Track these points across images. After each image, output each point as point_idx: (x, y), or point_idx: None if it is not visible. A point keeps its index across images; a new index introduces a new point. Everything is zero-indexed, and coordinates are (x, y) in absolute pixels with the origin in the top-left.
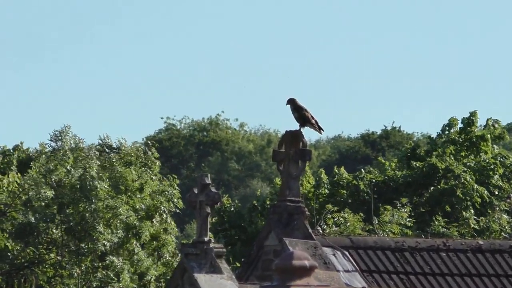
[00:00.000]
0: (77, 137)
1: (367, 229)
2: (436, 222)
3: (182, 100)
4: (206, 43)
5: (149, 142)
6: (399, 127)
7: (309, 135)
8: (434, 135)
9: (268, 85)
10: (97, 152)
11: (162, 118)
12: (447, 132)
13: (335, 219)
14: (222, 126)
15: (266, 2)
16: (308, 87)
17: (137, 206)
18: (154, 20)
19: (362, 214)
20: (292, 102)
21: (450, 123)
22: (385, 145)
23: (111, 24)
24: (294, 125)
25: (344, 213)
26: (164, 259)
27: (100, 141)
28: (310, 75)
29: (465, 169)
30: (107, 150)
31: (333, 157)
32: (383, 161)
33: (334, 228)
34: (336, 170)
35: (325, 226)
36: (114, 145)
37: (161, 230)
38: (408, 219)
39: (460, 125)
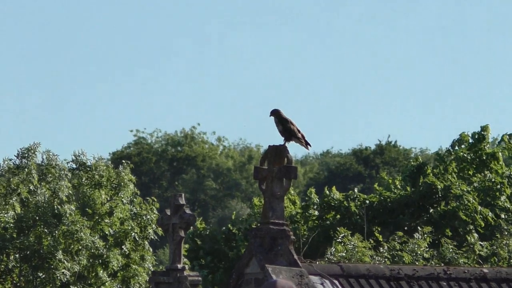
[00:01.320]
0: (51, 153)
1: (376, 257)
2: (444, 247)
3: (154, 111)
4: (180, 48)
5: (124, 162)
6: (395, 142)
7: (295, 150)
8: (433, 150)
9: (250, 96)
10: (68, 174)
11: (131, 131)
12: (456, 148)
13: (344, 244)
14: (198, 140)
15: (247, 9)
16: (294, 98)
17: (106, 232)
18: (125, 25)
19: (372, 241)
20: (276, 113)
21: (461, 139)
22: (379, 162)
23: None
24: (278, 140)
25: (348, 237)
26: None
27: (73, 157)
28: (296, 85)
29: (468, 189)
30: (77, 167)
31: (322, 175)
32: (385, 177)
33: (341, 254)
34: (327, 191)
35: (334, 251)
36: (89, 163)
37: (135, 258)
38: (426, 249)
39: (470, 140)
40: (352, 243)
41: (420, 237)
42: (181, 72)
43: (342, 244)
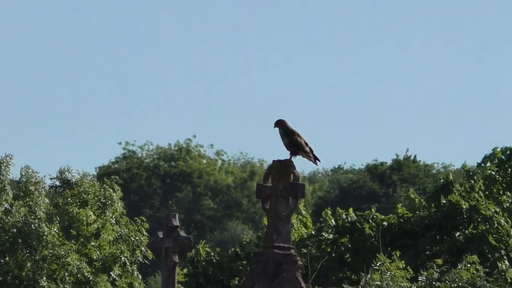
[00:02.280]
0: (30, 170)
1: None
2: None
3: (145, 122)
4: (175, 53)
5: (113, 177)
6: (415, 156)
7: (302, 166)
8: (457, 166)
9: (252, 105)
10: (46, 186)
11: (119, 143)
12: (488, 163)
13: (381, 273)
14: (194, 154)
15: (254, 13)
16: (302, 108)
17: (93, 256)
18: (114, 31)
19: (410, 270)
20: (281, 124)
21: (493, 155)
22: (396, 179)
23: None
24: (284, 154)
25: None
26: None
27: (58, 174)
28: (303, 94)
29: (497, 210)
30: (60, 185)
31: (332, 194)
32: (412, 195)
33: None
34: (340, 210)
35: (369, 278)
36: (73, 180)
37: (122, 285)
38: (468, 281)
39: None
40: (390, 272)
41: (463, 266)
42: (175, 79)
43: (379, 272)
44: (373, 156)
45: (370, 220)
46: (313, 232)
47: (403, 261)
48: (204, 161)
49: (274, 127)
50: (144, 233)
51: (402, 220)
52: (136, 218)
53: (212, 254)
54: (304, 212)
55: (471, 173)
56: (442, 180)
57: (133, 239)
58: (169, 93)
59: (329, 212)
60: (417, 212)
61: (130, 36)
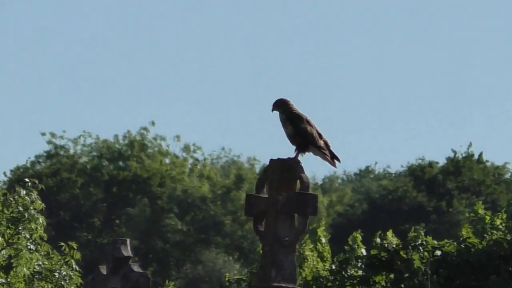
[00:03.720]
0: None
1: None
2: None
3: (80, 104)
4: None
5: (28, 180)
6: (480, 154)
7: (314, 167)
8: None
9: (240, 79)
10: None
11: (43, 134)
12: None
13: None
14: (153, 150)
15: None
16: (314, 88)
17: None
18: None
19: None
20: (282, 106)
21: None
22: (453, 187)
23: None
24: (287, 150)
25: None
26: None
27: None
28: (315, 72)
29: None
30: None
31: (358, 209)
32: (480, 210)
33: None
34: (378, 237)
35: None
36: None
37: None
38: None
39: None
40: None
41: None
42: (122, 42)
43: None
44: (418, 154)
45: (420, 247)
46: (333, 267)
47: None
48: (168, 160)
49: (273, 110)
50: (75, 266)
51: (464, 248)
52: (61, 244)
53: None
54: (324, 241)
55: None
56: None
57: (57, 276)
58: (115, 63)
59: (359, 236)
60: (487, 236)
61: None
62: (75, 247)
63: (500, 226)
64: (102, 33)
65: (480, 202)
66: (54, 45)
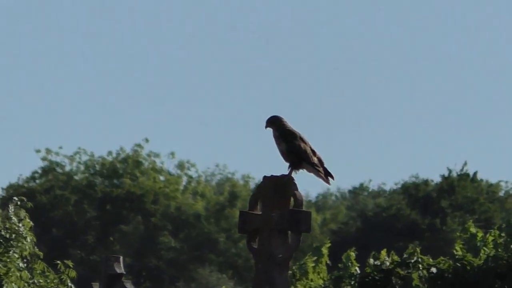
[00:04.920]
0: None
1: None
2: None
3: (76, 121)
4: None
5: (17, 199)
6: (474, 173)
7: (307, 185)
8: None
9: (234, 96)
10: None
11: (38, 151)
12: None
13: None
14: (147, 167)
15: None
16: (306, 104)
17: None
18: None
19: None
20: (275, 123)
21: None
22: (446, 205)
23: None
24: (280, 167)
25: None
26: None
27: None
28: (308, 87)
29: None
30: None
31: (352, 227)
32: (471, 228)
33: None
34: (372, 259)
35: None
36: None
37: None
38: None
39: None
40: None
41: None
42: (119, 60)
43: None
44: (412, 172)
45: (420, 265)
46: (330, 286)
47: None
48: (162, 177)
49: (266, 127)
50: (70, 285)
51: (460, 266)
52: (57, 263)
53: None
54: (326, 256)
55: None
56: None
57: None
58: (109, 80)
59: (353, 254)
60: (481, 253)
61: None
62: (71, 266)
63: (491, 244)
64: (95, 49)
65: (471, 220)
66: (50, 60)
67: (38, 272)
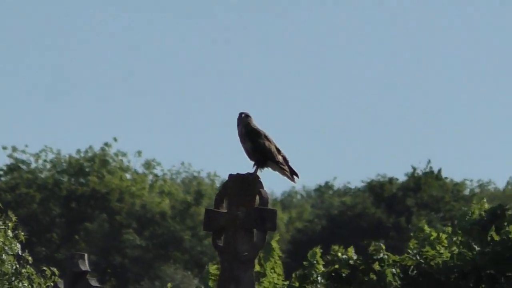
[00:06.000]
0: None
1: None
2: None
3: (43, 119)
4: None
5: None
6: (439, 171)
7: (273, 183)
8: (501, 185)
9: (200, 94)
10: None
11: (4, 148)
12: None
13: None
14: (113, 166)
15: None
16: (271, 101)
17: None
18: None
19: None
20: (242, 121)
21: None
22: (412, 203)
23: None
24: (245, 165)
25: None
26: None
27: None
28: (274, 85)
29: None
30: None
31: (317, 225)
32: (426, 228)
33: None
34: (338, 252)
35: None
36: None
37: None
38: None
39: None
40: None
41: None
42: (87, 58)
43: None
44: (377, 170)
45: (384, 261)
46: (295, 283)
47: None
48: (128, 176)
49: (238, 125)
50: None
51: (423, 263)
52: (44, 269)
53: None
54: (278, 255)
55: None
56: (482, 206)
57: None
58: (77, 79)
59: (319, 251)
60: (445, 251)
61: None
62: (56, 273)
63: (445, 242)
64: (65, 47)
65: (424, 220)
66: (17, 58)
67: (36, 282)
